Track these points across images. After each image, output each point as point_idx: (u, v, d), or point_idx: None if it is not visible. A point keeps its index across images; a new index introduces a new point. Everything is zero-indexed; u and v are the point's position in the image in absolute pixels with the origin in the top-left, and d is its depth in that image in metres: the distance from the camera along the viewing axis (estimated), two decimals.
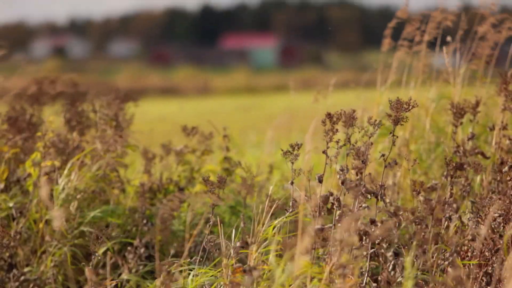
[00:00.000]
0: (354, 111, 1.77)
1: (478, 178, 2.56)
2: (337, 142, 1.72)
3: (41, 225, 2.16)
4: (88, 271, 1.37)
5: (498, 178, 2.34)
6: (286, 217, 1.74)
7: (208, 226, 1.82)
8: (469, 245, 1.97)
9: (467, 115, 2.50)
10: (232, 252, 1.65)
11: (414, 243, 1.75)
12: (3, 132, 2.66)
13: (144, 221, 2.39)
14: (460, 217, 2.03)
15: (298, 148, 1.75)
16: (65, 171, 2.26)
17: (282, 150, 1.77)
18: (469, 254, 1.94)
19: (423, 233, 1.83)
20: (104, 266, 2.27)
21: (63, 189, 2.22)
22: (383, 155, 1.83)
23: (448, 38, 3.11)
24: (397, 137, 1.85)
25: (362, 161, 1.71)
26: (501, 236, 1.92)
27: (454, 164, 2.11)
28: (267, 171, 3.19)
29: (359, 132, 1.81)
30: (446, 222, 1.96)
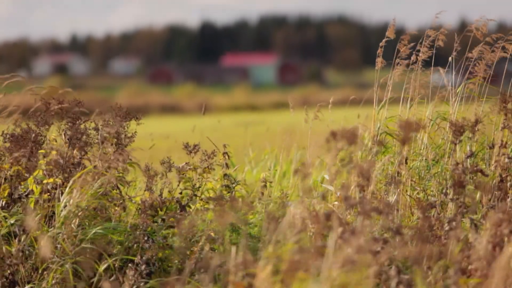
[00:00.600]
0: (356, 129, 1.79)
1: (478, 195, 2.57)
2: (341, 160, 1.73)
3: (42, 242, 2.17)
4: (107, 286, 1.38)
5: (498, 196, 2.35)
6: (294, 236, 1.74)
7: (209, 243, 1.82)
8: (472, 263, 1.96)
9: (465, 133, 2.52)
10: (236, 269, 1.65)
11: (419, 260, 1.75)
12: (6, 150, 2.67)
13: (145, 238, 2.40)
14: (466, 236, 2.03)
15: (309, 167, 1.77)
16: (67, 189, 2.27)
17: (296, 170, 1.79)
18: (478, 272, 1.93)
19: (424, 250, 1.83)
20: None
21: (65, 206, 2.23)
22: (390, 176, 1.84)
23: (449, 59, 3.16)
24: (405, 158, 1.87)
25: (366, 179, 1.72)
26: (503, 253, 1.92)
27: (456, 182, 2.12)
28: (261, 186, 3.19)
29: (362, 150, 1.83)
30: (448, 239, 1.96)
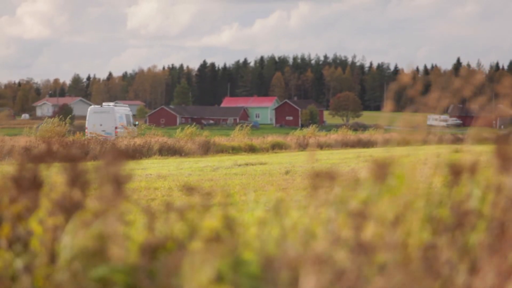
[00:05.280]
0: (335, 171, 1.84)
1: (475, 237, 2.58)
2: (329, 200, 1.77)
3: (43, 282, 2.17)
4: None
5: (496, 238, 2.35)
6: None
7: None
8: None
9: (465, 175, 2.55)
10: None
11: None
12: (8, 190, 2.70)
13: (145, 278, 2.40)
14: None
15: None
16: (68, 228, 2.29)
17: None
18: None
19: None
20: None
21: (66, 247, 2.25)
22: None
23: (446, 103, 3.23)
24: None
25: (359, 219, 1.75)
26: None
27: (453, 223, 2.14)
28: (256, 226, 3.19)
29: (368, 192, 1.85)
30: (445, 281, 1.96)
